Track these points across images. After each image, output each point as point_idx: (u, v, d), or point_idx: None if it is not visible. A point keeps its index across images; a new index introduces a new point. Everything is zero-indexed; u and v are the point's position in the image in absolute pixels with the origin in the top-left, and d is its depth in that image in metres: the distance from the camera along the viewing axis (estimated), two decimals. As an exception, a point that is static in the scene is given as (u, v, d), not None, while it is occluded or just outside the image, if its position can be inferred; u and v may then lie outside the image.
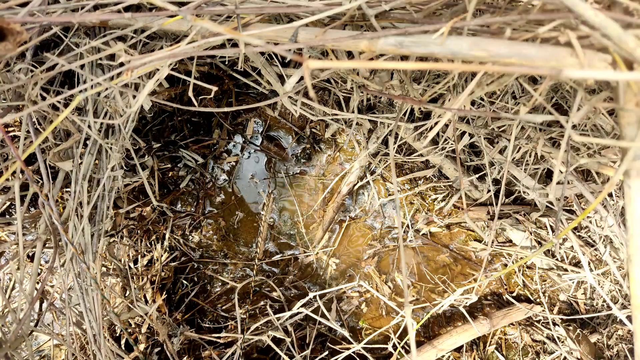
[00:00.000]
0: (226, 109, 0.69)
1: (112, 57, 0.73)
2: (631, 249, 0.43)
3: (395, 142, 1.12)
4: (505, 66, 0.56)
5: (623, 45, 0.36)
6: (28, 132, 0.78)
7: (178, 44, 0.54)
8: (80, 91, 0.75)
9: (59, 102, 0.74)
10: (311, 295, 0.98)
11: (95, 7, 0.60)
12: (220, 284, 1.12)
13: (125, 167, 1.02)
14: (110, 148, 0.79)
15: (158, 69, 0.58)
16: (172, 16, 0.57)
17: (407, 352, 1.01)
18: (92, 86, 0.74)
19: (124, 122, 0.79)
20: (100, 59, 0.72)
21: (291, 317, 1.04)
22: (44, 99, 0.71)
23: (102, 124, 0.77)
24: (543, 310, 1.15)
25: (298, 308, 0.98)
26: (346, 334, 1.04)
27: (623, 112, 0.42)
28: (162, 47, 0.75)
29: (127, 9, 0.65)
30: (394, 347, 1.02)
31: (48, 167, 0.91)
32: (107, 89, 0.73)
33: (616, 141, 0.41)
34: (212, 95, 0.62)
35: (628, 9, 0.43)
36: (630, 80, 0.39)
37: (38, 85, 0.70)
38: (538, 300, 1.22)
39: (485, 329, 1.07)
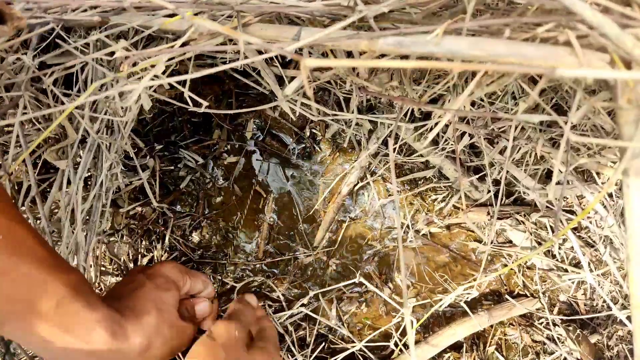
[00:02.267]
0: (226, 111, 0.69)
1: (111, 54, 0.73)
2: (630, 248, 0.43)
3: (395, 143, 1.12)
4: (503, 65, 0.56)
5: (621, 44, 0.36)
6: (26, 132, 0.78)
7: (177, 42, 0.54)
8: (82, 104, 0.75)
9: (58, 100, 0.74)
10: (311, 294, 0.98)
11: (95, 6, 0.61)
12: (220, 284, 1.12)
13: (126, 168, 1.02)
14: (108, 149, 0.79)
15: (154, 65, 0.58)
16: (170, 15, 0.57)
17: (408, 347, 1.01)
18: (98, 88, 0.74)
19: (123, 122, 0.79)
20: (101, 58, 0.73)
21: (291, 316, 1.04)
22: (44, 91, 0.71)
23: (100, 123, 0.77)
24: (542, 309, 1.15)
25: (298, 308, 0.98)
26: (345, 332, 1.05)
27: (621, 111, 0.42)
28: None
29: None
30: (396, 344, 1.02)
31: (45, 165, 0.91)
32: (111, 85, 0.74)
33: (613, 141, 0.41)
34: (207, 105, 0.62)
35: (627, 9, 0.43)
36: (628, 79, 0.39)
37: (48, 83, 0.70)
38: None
39: (484, 320, 1.06)
